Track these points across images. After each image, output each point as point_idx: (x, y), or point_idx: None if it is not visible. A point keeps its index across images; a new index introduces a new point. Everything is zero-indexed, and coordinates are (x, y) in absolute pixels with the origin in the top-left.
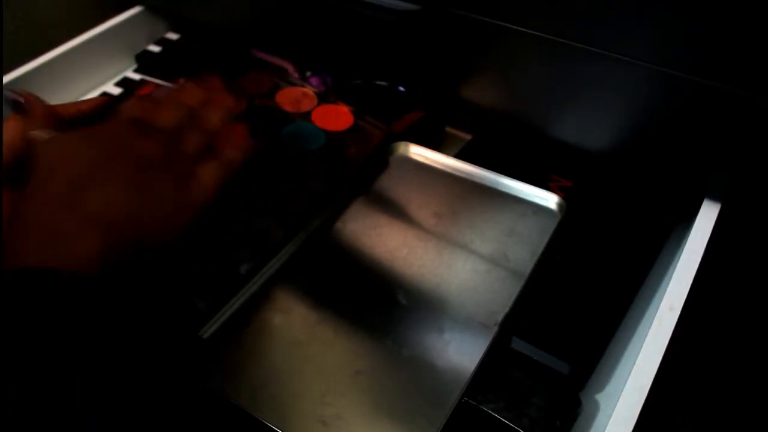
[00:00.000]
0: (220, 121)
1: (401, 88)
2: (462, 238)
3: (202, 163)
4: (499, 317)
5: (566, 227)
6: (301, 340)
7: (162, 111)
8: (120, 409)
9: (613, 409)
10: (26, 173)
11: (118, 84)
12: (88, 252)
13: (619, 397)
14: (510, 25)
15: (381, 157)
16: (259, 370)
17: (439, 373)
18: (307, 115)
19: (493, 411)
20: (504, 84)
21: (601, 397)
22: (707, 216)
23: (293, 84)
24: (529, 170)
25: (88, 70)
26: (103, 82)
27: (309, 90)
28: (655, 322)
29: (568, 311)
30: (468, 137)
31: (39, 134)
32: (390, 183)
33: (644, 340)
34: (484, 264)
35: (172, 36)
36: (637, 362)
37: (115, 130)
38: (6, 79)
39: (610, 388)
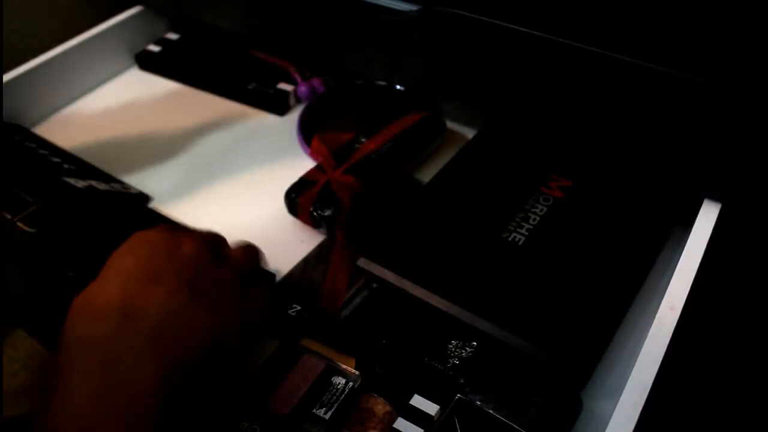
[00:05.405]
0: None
1: (400, 88)
2: None
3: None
4: None
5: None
6: None
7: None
8: None
9: (614, 409)
10: None
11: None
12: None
13: (620, 397)
14: (509, 25)
15: None
16: None
17: None
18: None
19: (493, 411)
20: (503, 83)
21: (602, 397)
22: (707, 216)
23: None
24: (528, 169)
25: (88, 70)
26: (102, 83)
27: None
28: (656, 322)
29: (569, 311)
30: (469, 136)
31: None
32: None
33: (645, 340)
34: None
35: (172, 36)
36: (638, 362)
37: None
38: (6, 78)
39: (611, 388)
